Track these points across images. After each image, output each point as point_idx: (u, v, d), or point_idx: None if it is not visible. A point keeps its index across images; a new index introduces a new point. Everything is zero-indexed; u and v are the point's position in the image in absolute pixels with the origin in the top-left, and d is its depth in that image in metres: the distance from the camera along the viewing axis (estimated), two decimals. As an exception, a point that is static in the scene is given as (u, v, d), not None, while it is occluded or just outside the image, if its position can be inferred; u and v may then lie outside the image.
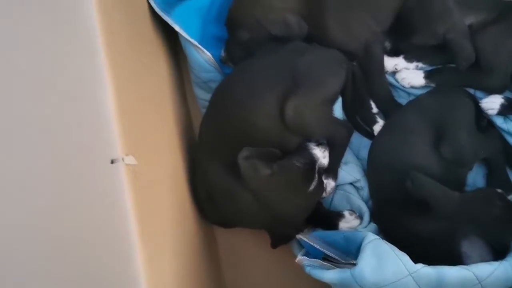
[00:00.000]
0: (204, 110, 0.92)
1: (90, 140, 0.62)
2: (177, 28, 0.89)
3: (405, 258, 0.69)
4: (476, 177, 0.89)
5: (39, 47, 0.65)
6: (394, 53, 0.92)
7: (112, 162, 0.60)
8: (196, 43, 0.90)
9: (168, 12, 0.89)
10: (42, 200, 0.65)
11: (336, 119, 0.90)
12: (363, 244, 0.70)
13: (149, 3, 0.89)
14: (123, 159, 0.60)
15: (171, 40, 0.98)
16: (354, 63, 0.91)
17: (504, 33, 0.85)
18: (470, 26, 0.87)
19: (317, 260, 0.75)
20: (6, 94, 0.65)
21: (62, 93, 0.64)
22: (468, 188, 0.87)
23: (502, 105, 0.86)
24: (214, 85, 0.92)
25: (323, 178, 0.85)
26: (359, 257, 0.69)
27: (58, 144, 0.63)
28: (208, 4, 0.94)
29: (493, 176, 0.87)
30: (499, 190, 0.82)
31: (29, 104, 0.66)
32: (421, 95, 0.91)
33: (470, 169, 0.87)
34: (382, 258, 0.68)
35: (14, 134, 0.67)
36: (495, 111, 0.86)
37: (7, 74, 0.66)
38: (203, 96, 0.97)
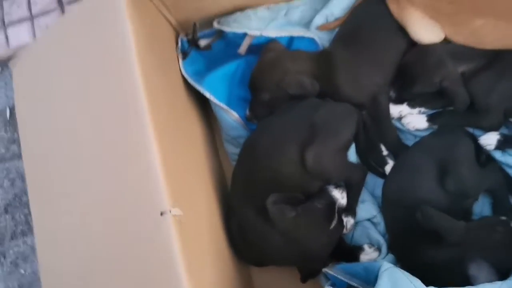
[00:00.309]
0: (234, 163, 1.05)
1: (142, 197, 0.75)
2: (207, 94, 1.04)
3: (418, 282, 0.78)
4: (483, 207, 0.98)
5: (99, 119, 0.80)
6: (398, 100, 1.03)
7: (161, 214, 0.72)
8: (224, 106, 1.04)
9: (199, 82, 1.04)
10: (103, 250, 0.78)
11: (351, 163, 1.01)
12: (380, 272, 0.80)
13: (183, 76, 1.04)
14: (170, 211, 0.73)
15: (203, 104, 1.13)
16: (364, 113, 1.03)
17: (493, 78, 0.95)
18: (463, 74, 0.98)
19: (342, 289, 0.86)
20: (76, 158, 0.80)
21: (118, 157, 0.78)
22: (476, 216, 0.96)
23: (499, 141, 0.96)
24: (241, 141, 1.05)
25: (343, 216, 0.96)
26: (376, 284, 0.79)
27: (117, 202, 0.77)
28: (233, 71, 1.08)
29: (497, 205, 0.96)
30: (503, 218, 0.91)
31: (91, 167, 0.81)
32: (425, 136, 1.01)
33: (476, 199, 0.96)
34: (396, 283, 0.78)
35: (79, 193, 0.82)
36: (492, 146, 0.96)
37: (75, 141, 0.82)
38: (233, 151, 1.11)
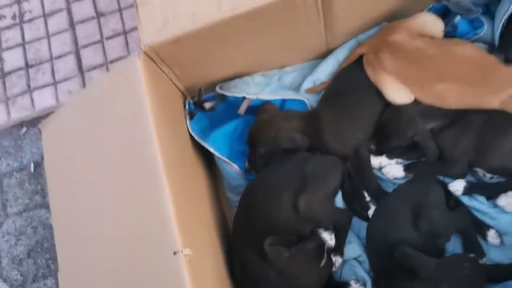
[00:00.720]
0: (235, 209, 1.19)
1: (158, 239, 0.88)
2: (211, 150, 1.19)
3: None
4: (455, 246, 1.11)
5: (120, 173, 0.94)
6: (378, 153, 1.18)
7: (174, 253, 0.85)
8: (226, 159, 1.19)
9: (204, 139, 1.19)
10: (122, 285, 0.90)
11: (338, 208, 1.15)
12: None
13: (190, 134, 1.19)
14: (182, 251, 0.85)
15: (207, 158, 1.28)
16: (348, 164, 1.17)
17: (457, 133, 1.10)
18: (432, 130, 1.13)
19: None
20: (100, 207, 0.94)
21: (138, 206, 0.92)
22: (449, 254, 1.09)
23: (465, 187, 1.10)
24: (241, 189, 1.19)
25: (332, 256, 1.08)
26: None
27: (137, 244, 0.90)
28: (233, 129, 1.24)
29: (467, 244, 1.09)
30: (472, 255, 1.04)
31: (114, 216, 0.94)
32: (402, 184, 1.16)
33: (448, 239, 1.09)
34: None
35: (102, 237, 0.95)
36: (460, 192, 1.10)
37: (99, 193, 0.95)
38: (234, 198, 1.25)
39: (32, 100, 1.51)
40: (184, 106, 1.23)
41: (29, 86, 1.54)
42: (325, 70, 1.25)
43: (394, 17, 1.19)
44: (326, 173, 1.12)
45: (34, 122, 1.51)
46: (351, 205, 1.18)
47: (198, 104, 1.24)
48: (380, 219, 1.13)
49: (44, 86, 1.53)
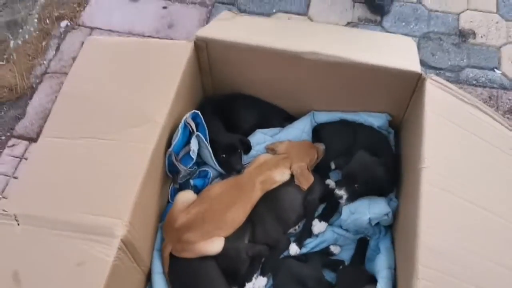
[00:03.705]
0: None
1: None
2: None
3: None
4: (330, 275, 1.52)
5: None
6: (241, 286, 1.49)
7: None
8: None
9: None
10: None
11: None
12: None
13: None
14: None
15: None
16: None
17: (261, 226, 1.53)
18: (249, 240, 1.52)
19: None
20: None
21: None
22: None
23: (297, 245, 1.54)
24: None
25: None
26: None
27: None
28: None
29: (330, 266, 1.52)
30: (341, 267, 1.48)
31: None
32: (273, 281, 1.50)
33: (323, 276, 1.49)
34: None
35: None
36: (299, 251, 1.54)
37: None
38: None
39: None
40: None
41: None
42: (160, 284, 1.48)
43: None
44: None
45: None
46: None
47: None
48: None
49: None
